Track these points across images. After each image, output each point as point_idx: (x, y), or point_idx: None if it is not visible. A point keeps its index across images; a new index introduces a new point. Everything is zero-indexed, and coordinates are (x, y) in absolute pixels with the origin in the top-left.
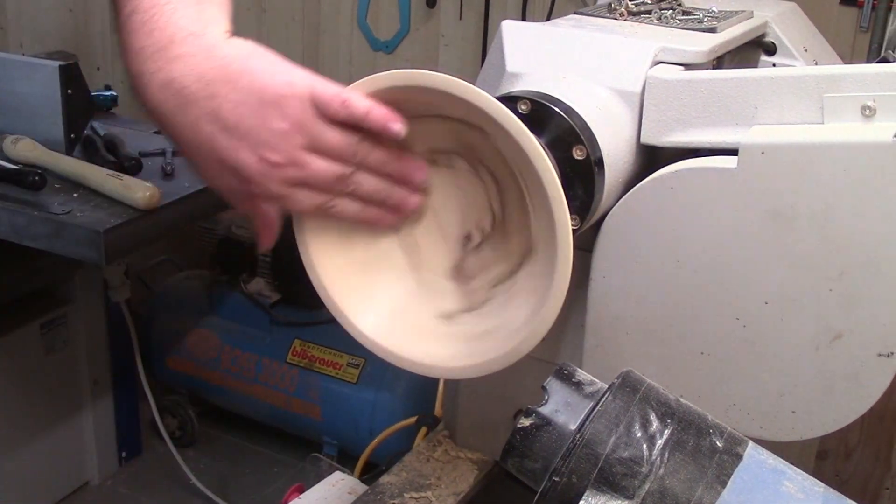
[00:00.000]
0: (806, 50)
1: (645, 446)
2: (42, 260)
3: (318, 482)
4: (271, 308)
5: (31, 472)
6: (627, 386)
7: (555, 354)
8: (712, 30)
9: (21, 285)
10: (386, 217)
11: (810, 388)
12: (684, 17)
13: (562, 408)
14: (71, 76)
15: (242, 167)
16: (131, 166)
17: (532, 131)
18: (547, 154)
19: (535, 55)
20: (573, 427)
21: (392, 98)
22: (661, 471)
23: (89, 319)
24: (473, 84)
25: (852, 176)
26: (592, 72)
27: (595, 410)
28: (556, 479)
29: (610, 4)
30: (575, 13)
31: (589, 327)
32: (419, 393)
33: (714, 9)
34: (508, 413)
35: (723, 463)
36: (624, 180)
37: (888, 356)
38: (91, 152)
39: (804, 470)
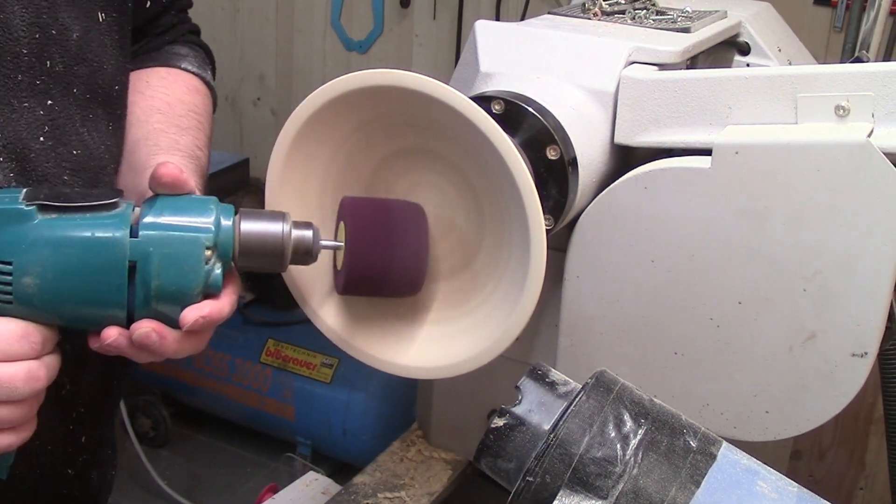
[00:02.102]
0: (780, 50)
1: (619, 446)
2: None
3: (291, 482)
4: (245, 308)
5: None
6: (601, 386)
7: (528, 354)
8: (686, 30)
9: None
10: None
11: (784, 389)
12: (658, 17)
13: (535, 408)
14: None
15: None
16: None
17: (506, 131)
18: (520, 154)
19: (508, 55)
20: (547, 427)
21: (365, 100)
22: (635, 471)
23: None
24: (447, 84)
25: (826, 176)
26: (566, 72)
27: (569, 410)
28: (530, 479)
29: (584, 4)
30: (549, 13)
31: (563, 327)
32: (393, 393)
33: (688, 9)
34: (482, 413)
35: (696, 463)
36: (598, 180)
37: (862, 356)
38: None
39: (778, 470)
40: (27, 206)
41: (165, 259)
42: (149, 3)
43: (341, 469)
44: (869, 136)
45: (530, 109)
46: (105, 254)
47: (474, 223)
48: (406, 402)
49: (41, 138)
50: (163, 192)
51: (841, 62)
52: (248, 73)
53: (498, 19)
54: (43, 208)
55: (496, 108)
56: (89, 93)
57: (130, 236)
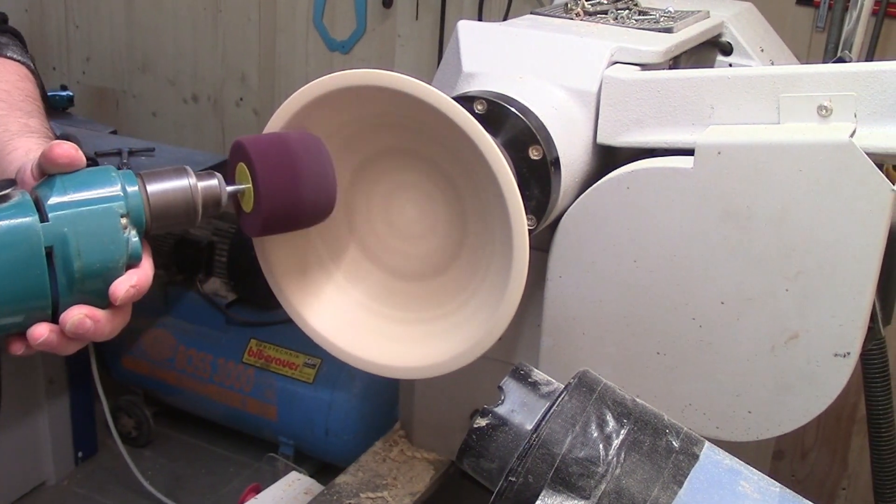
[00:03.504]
0: (762, 50)
1: (601, 446)
2: None
3: (274, 482)
4: (227, 308)
5: None
6: (584, 386)
7: (511, 354)
8: (668, 30)
9: None
10: None
11: (766, 389)
12: (640, 17)
13: (518, 408)
14: None
15: None
16: (87, 166)
17: (488, 131)
18: (503, 154)
19: (491, 55)
20: (529, 427)
21: (348, 100)
22: (618, 471)
23: None
24: (429, 84)
25: (808, 176)
26: (549, 72)
27: (551, 410)
28: (513, 479)
29: (566, 4)
30: (531, 13)
31: (545, 327)
32: (375, 393)
33: (670, 9)
34: (464, 413)
35: (679, 463)
36: (580, 180)
37: (844, 356)
38: None
39: (760, 470)
40: None
41: (84, 236)
42: None
43: (324, 469)
44: (851, 136)
45: (513, 109)
46: (18, 245)
47: (457, 223)
48: (388, 402)
49: None
50: (57, 173)
51: (823, 62)
52: (231, 74)
53: (480, 19)
54: None
55: (478, 108)
56: None
57: (40, 221)
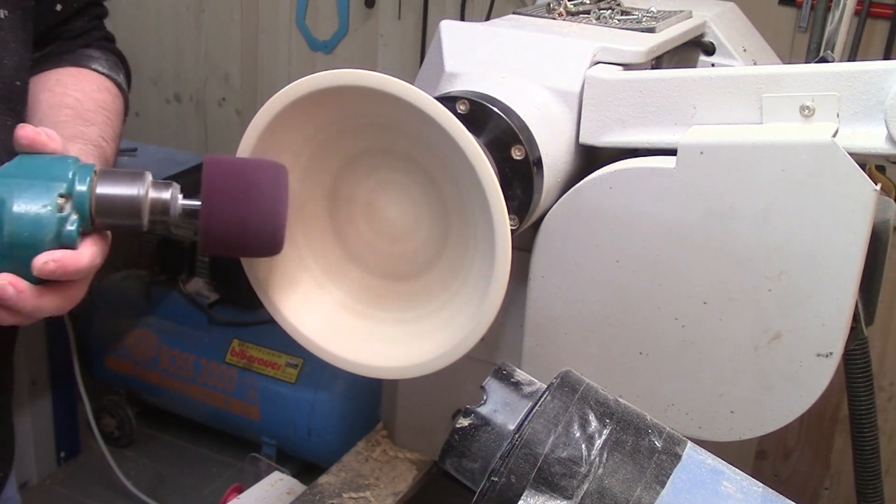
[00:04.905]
0: (745, 50)
1: (584, 446)
2: None
3: (256, 482)
4: (210, 308)
5: None
6: (566, 386)
7: (494, 354)
8: (651, 30)
9: None
10: None
11: (749, 389)
12: (623, 17)
13: (500, 408)
14: None
15: None
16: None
17: (471, 131)
18: (485, 154)
19: (473, 55)
20: (512, 427)
21: (330, 100)
22: (600, 471)
23: None
24: (412, 84)
25: (791, 176)
26: (531, 72)
27: (534, 410)
28: (495, 479)
29: (549, 4)
30: (514, 13)
31: (528, 327)
32: (358, 393)
33: (653, 9)
34: (447, 413)
35: (661, 463)
36: (563, 180)
37: (827, 356)
38: None
39: (743, 470)
40: None
41: (19, 205)
42: (59, 6)
43: (306, 469)
44: (834, 136)
45: (495, 109)
46: None
47: (439, 223)
48: (371, 402)
49: None
50: (23, 153)
51: (806, 62)
52: (213, 73)
53: (463, 19)
54: None
55: (461, 108)
56: None
57: None
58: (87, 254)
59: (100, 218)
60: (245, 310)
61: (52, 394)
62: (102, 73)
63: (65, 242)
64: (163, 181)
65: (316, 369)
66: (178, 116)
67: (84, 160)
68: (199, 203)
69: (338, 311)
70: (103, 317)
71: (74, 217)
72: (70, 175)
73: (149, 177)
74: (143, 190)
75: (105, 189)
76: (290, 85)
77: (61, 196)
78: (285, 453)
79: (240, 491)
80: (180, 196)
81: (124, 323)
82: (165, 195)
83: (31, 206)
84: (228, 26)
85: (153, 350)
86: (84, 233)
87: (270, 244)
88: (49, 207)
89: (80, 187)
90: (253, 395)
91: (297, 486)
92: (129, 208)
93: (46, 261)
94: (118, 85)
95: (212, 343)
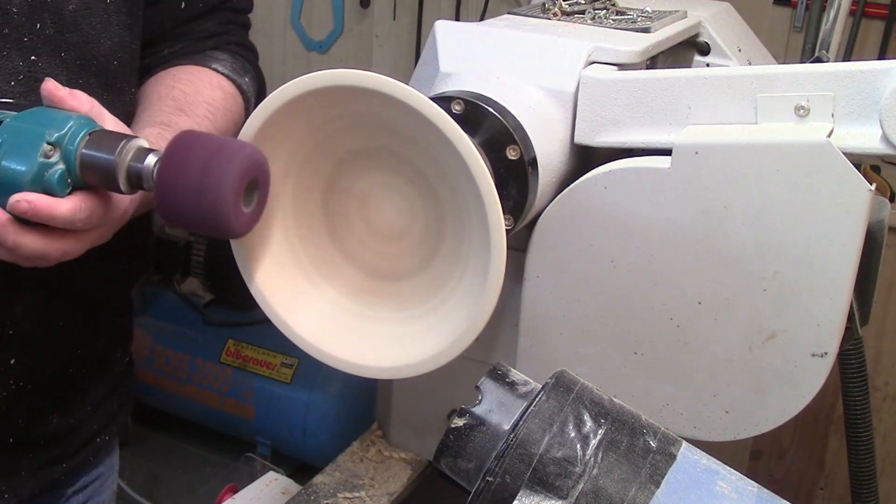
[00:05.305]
0: (740, 50)
1: (579, 446)
2: None
3: (251, 482)
4: (205, 308)
5: None
6: (561, 386)
7: (489, 354)
8: (646, 30)
9: None
10: None
11: (743, 389)
12: (618, 16)
13: (495, 408)
14: None
15: None
16: None
17: (465, 131)
18: (480, 154)
19: (468, 55)
20: (507, 427)
21: (325, 100)
22: (595, 471)
23: None
24: (407, 84)
25: (786, 176)
26: (526, 72)
27: (529, 410)
28: (490, 479)
29: (543, 4)
30: (508, 13)
31: (523, 327)
32: (353, 393)
33: (648, 9)
34: (442, 413)
35: (656, 463)
36: (558, 180)
37: (822, 356)
38: None
39: (738, 470)
40: None
41: (9, 143)
42: (183, 3)
43: (301, 469)
44: (829, 136)
45: (490, 109)
46: None
47: (434, 223)
48: (366, 402)
49: (12, 83)
50: (43, 105)
51: (801, 62)
52: None
53: (458, 19)
54: None
55: (456, 108)
56: (80, 60)
57: None
58: (68, 204)
59: (85, 175)
60: (240, 310)
61: None
62: (220, 73)
63: (46, 188)
64: (151, 149)
65: (311, 369)
66: None
67: (153, 145)
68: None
69: (332, 311)
70: None
71: (60, 167)
72: (66, 128)
73: (135, 144)
74: (121, 157)
75: (90, 150)
76: (284, 85)
77: (49, 143)
78: (280, 453)
79: (235, 491)
80: (156, 169)
81: None
82: (140, 165)
83: (18, 147)
84: None
85: (148, 350)
86: (76, 187)
87: (219, 227)
88: (33, 149)
89: (70, 143)
90: (248, 395)
91: (292, 486)
92: (107, 172)
93: (20, 199)
94: (238, 86)
95: (207, 343)
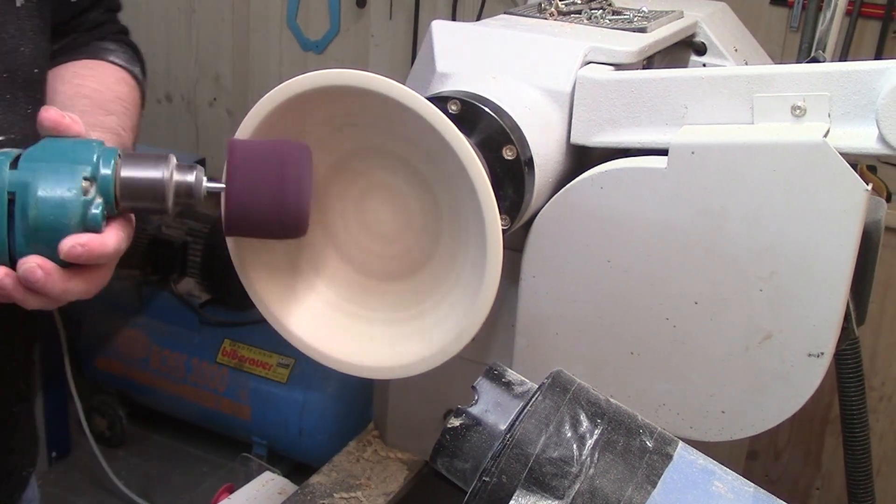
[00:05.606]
0: (736, 50)
1: (575, 446)
2: None
3: (247, 482)
4: (201, 308)
5: None
6: (557, 386)
7: (485, 354)
8: (642, 30)
9: None
10: None
11: (740, 389)
12: (614, 17)
13: (492, 408)
14: None
15: None
16: None
17: (462, 131)
18: (477, 154)
19: (465, 55)
20: (503, 427)
21: (321, 100)
22: (591, 471)
23: None
24: (403, 84)
25: (782, 176)
26: (523, 72)
27: (525, 410)
28: (486, 479)
29: (540, 4)
30: (505, 13)
31: (519, 327)
32: (349, 393)
33: (644, 9)
34: (438, 413)
35: (653, 463)
36: (554, 180)
37: (818, 356)
38: None
39: (734, 470)
40: None
41: (44, 189)
42: None
43: (297, 469)
44: (825, 136)
45: (486, 109)
46: None
47: (431, 223)
48: (362, 402)
49: None
50: (47, 136)
51: (797, 62)
52: (204, 74)
53: (454, 19)
54: None
55: (452, 108)
56: (7, 72)
57: (11, 169)
58: (114, 238)
59: (124, 201)
60: (236, 310)
61: (43, 394)
62: (119, 65)
63: (90, 226)
64: (187, 164)
65: (307, 369)
66: (169, 116)
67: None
68: (221, 185)
69: (329, 311)
70: (94, 317)
71: (99, 200)
72: (94, 158)
73: (173, 159)
74: (168, 173)
75: (129, 172)
76: (281, 85)
77: (86, 179)
78: (276, 453)
79: (231, 491)
80: (205, 178)
81: (115, 323)
82: (190, 178)
83: (56, 189)
84: (220, 26)
85: (144, 350)
86: (109, 216)
87: (295, 225)
88: (74, 191)
89: (105, 171)
90: (244, 395)
91: (288, 486)
92: (154, 191)
93: (73, 244)
94: (135, 77)
95: (203, 343)
